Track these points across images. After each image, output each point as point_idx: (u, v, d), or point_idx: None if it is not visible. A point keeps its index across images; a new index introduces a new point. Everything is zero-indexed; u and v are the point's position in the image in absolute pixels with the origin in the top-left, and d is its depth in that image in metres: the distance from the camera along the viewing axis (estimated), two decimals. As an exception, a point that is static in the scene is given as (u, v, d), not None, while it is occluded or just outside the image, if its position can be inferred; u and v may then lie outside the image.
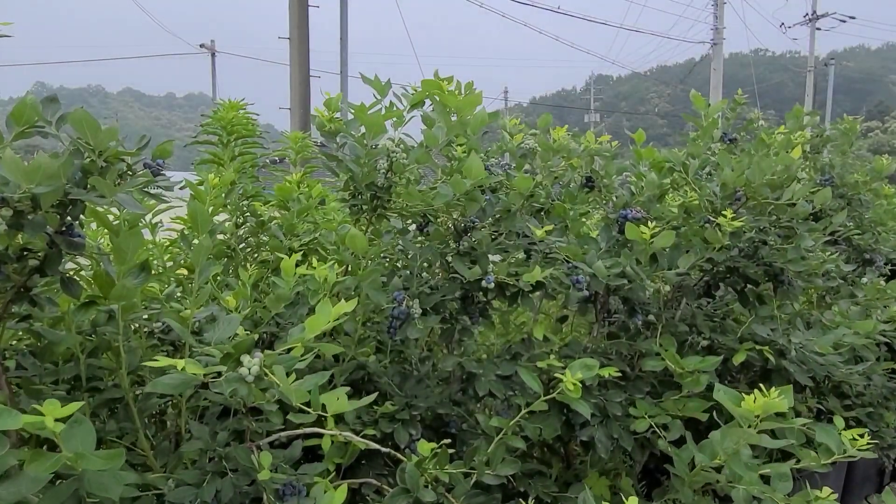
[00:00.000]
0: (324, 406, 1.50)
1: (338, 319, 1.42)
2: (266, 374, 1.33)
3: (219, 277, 2.47)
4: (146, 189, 1.41)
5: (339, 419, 2.09)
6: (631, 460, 2.55)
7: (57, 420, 1.11)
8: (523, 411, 1.78)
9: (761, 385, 1.49)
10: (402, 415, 2.03)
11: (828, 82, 33.97)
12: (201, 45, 34.30)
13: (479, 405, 2.13)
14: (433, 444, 1.76)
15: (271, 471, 1.65)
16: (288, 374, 1.44)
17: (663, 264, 2.06)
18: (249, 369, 1.30)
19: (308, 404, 1.47)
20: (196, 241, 1.67)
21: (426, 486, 1.62)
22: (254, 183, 2.91)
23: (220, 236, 2.88)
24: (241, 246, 2.81)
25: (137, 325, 1.98)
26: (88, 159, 1.31)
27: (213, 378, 1.28)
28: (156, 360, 1.21)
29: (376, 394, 1.37)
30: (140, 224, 2.42)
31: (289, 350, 1.38)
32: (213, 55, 33.46)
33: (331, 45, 15.36)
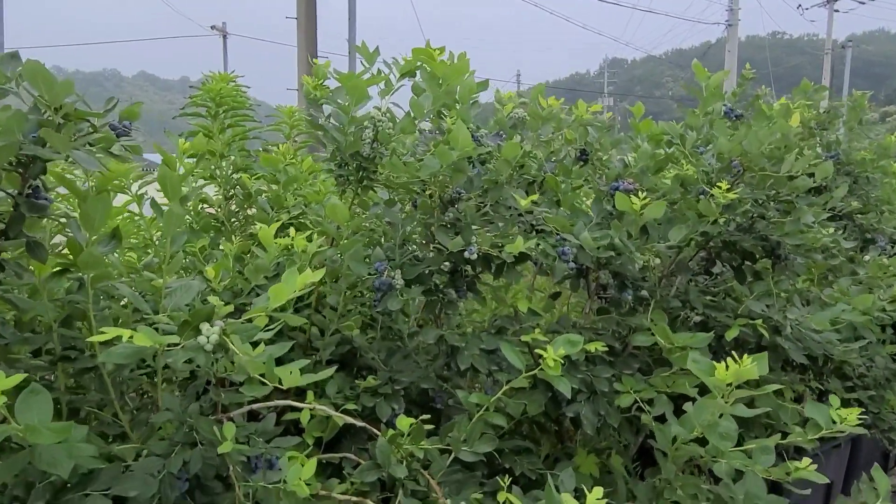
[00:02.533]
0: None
1: (305, 289, 1.38)
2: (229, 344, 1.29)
3: (206, 251, 2.43)
4: (109, 149, 1.36)
5: (321, 393, 2.06)
6: (624, 439, 2.50)
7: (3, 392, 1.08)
8: (504, 387, 1.73)
9: (734, 353, 1.44)
10: (385, 389, 1.99)
11: (845, 66, 33.41)
12: (212, 27, 34.24)
13: (465, 381, 2.09)
14: (412, 420, 1.72)
15: (242, 443, 1.62)
16: (255, 345, 1.40)
17: (654, 237, 2.00)
18: (208, 338, 1.25)
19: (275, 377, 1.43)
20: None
21: (399, 462, 1.58)
22: (245, 157, 2.87)
23: (210, 210, 2.85)
24: (230, 220, 2.78)
25: (115, 295, 1.95)
26: (46, 115, 1.27)
27: (170, 348, 1.24)
28: (102, 332, 1.17)
29: (333, 369, 1.32)
30: (128, 196, 2.40)
31: (251, 320, 1.34)
32: (224, 37, 33.39)
33: (342, 29, 15.28)
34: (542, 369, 1.65)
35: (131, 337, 1.13)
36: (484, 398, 1.74)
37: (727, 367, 1.40)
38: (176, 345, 1.26)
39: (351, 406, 1.91)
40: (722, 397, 1.45)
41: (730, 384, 1.41)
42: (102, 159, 1.32)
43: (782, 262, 2.26)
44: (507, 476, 1.86)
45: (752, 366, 1.37)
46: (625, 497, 2.11)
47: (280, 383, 1.24)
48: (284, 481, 1.48)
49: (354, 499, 1.53)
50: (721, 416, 1.54)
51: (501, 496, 1.61)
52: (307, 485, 1.51)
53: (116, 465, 1.44)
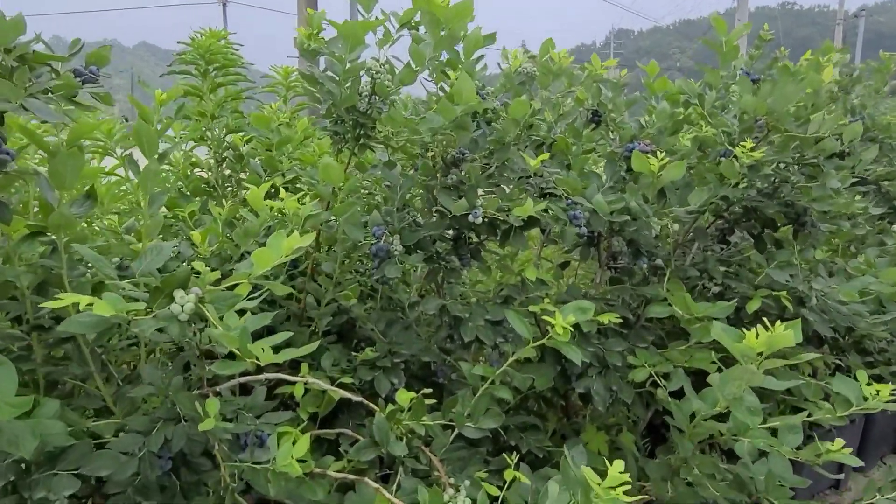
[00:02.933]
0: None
1: (295, 254, 1.25)
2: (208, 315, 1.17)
3: (196, 216, 2.31)
4: (72, 98, 1.22)
5: (316, 365, 1.94)
6: (634, 414, 2.39)
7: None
8: (511, 359, 1.61)
9: (765, 319, 1.31)
10: (384, 362, 1.87)
11: (857, 36, 32.75)
12: (213, -5, 33.66)
13: (469, 354, 1.97)
14: (412, 394, 1.61)
15: (230, 419, 1.51)
16: (241, 315, 1.28)
17: (673, 201, 1.86)
18: (182, 306, 1.13)
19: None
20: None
21: (399, 439, 1.47)
22: (238, 119, 2.73)
23: (201, 173, 2.71)
24: (223, 185, 2.65)
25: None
26: (-2, 59, 1.13)
27: (138, 316, 1.12)
28: (58, 298, 1.04)
29: (319, 342, 1.19)
30: (114, 158, 2.26)
31: (233, 287, 1.21)
32: (224, 5, 32.87)
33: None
34: (550, 338, 1.53)
35: (90, 305, 1.01)
36: (489, 371, 1.63)
37: (757, 334, 1.27)
38: (146, 313, 1.13)
39: (348, 380, 1.80)
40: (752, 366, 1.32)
41: (760, 353, 1.29)
42: (65, 109, 1.18)
43: (806, 229, 2.12)
44: (513, 454, 1.75)
45: (786, 333, 1.24)
46: (636, 475, 2.00)
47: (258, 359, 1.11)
48: (274, 460, 1.37)
49: (351, 477, 1.42)
50: (744, 390, 1.41)
51: (508, 474, 1.50)
52: (301, 462, 1.40)
53: (86, 442, 1.33)
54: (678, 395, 1.85)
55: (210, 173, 2.60)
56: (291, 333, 1.24)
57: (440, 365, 2.03)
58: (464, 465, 1.61)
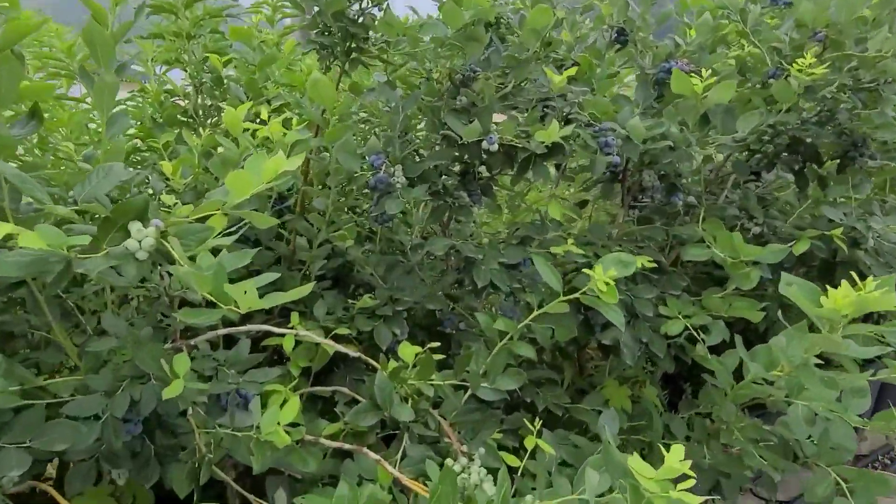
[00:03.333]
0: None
1: (276, 180, 1.01)
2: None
3: (171, 146, 2.05)
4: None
5: (309, 314, 1.73)
6: (653, 366, 2.20)
7: None
8: (536, 312, 1.39)
9: (853, 274, 1.10)
10: (385, 310, 1.65)
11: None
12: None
13: (480, 301, 1.76)
14: (418, 349, 1.39)
15: (208, 377, 1.30)
16: (216, 253, 1.05)
17: (717, 128, 1.62)
18: (140, 242, 0.90)
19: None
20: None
21: (404, 401, 1.27)
22: (219, 41, 2.44)
23: (178, 101, 2.44)
24: (201, 113, 2.37)
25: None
26: None
27: (84, 254, 0.89)
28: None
29: (309, 287, 0.96)
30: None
31: (205, 220, 0.98)
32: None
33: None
34: (584, 293, 1.30)
35: (12, 236, 0.78)
36: (510, 324, 1.41)
37: (844, 294, 1.05)
38: (97, 250, 0.90)
39: (344, 331, 1.59)
40: (829, 330, 1.11)
41: (845, 315, 1.07)
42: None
43: (858, 163, 1.88)
44: (530, 415, 1.56)
45: (883, 293, 1.02)
46: (660, 433, 1.82)
47: (236, 305, 0.89)
48: (258, 427, 1.16)
49: (348, 446, 1.22)
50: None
51: (529, 441, 1.31)
52: (291, 427, 1.20)
53: (37, 409, 1.12)
54: (715, 348, 1.65)
55: (187, 101, 2.32)
56: (278, 275, 1.01)
57: (447, 313, 1.82)
58: (477, 429, 1.41)
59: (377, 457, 1.13)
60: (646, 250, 1.77)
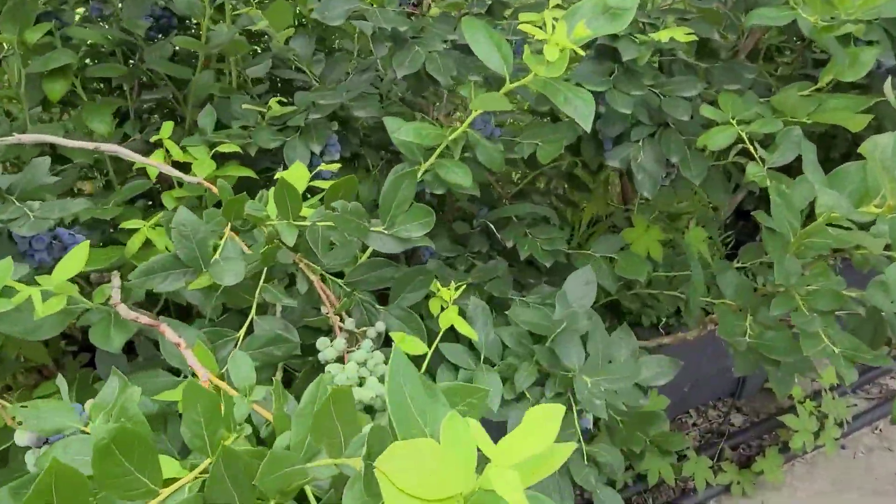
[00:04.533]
0: None
1: None
2: None
3: None
4: None
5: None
6: (711, 200, 1.64)
7: None
8: (474, 113, 0.86)
9: None
10: (296, 120, 1.17)
11: None
12: None
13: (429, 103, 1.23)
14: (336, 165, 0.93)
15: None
16: None
17: None
18: None
19: None
20: None
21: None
22: None
23: None
24: None
25: None
26: None
27: None
28: None
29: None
30: None
31: None
32: None
33: None
34: (535, 75, 0.76)
35: None
36: (431, 133, 0.89)
37: None
38: None
39: (232, 147, 1.13)
40: None
41: None
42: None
43: None
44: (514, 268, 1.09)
45: None
46: (701, 289, 1.30)
47: None
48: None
49: (145, 320, 0.80)
50: None
51: (446, 319, 0.85)
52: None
53: None
54: (785, 169, 1.08)
55: None
56: None
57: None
58: (399, 290, 0.95)
59: (177, 339, 0.71)
60: (693, 24, 1.15)
